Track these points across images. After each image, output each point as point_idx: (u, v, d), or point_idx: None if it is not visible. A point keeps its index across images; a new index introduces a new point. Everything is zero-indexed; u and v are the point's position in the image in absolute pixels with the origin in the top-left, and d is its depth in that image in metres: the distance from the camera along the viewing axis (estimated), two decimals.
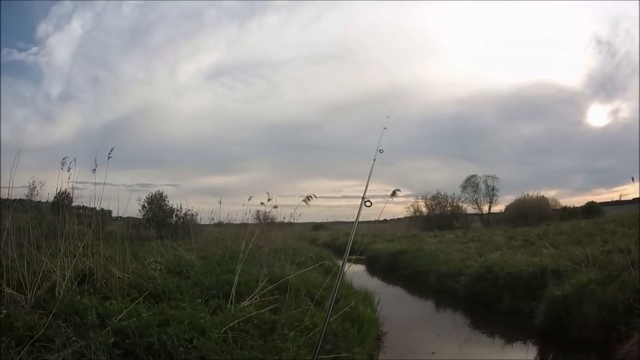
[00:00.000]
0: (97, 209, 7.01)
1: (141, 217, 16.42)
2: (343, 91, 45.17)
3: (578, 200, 37.42)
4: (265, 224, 12.52)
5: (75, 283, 5.23)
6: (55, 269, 5.21)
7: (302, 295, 6.41)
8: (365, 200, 3.46)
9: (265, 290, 6.01)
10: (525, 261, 9.33)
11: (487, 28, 49.27)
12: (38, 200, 8.55)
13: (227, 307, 5.41)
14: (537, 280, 8.26)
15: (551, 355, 6.72)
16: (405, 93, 43.37)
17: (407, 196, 31.76)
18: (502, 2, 41.88)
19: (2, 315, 4.09)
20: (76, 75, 38.12)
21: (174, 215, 16.69)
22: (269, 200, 8.44)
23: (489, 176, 33.31)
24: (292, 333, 4.82)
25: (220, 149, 43.58)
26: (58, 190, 7.02)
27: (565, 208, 28.54)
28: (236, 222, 13.44)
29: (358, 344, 5.48)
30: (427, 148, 42.96)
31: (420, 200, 32.90)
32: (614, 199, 28.43)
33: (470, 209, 33.60)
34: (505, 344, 7.22)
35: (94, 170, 6.28)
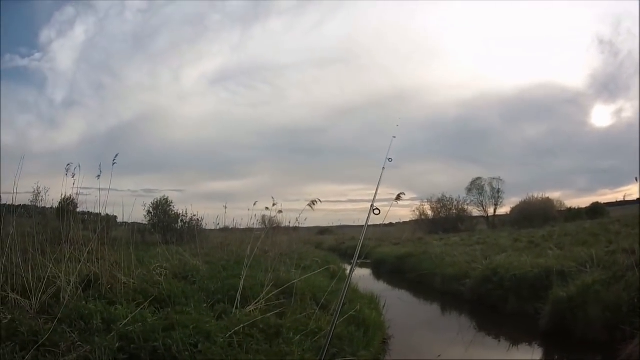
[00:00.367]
0: (102, 214, 7.04)
1: (146, 223, 16.49)
2: (347, 94, 45.24)
3: (583, 201, 37.49)
4: (271, 229, 12.53)
5: (80, 288, 5.24)
6: (60, 274, 5.22)
7: (308, 299, 6.39)
8: (374, 208, 3.47)
9: (270, 295, 6.01)
10: (530, 263, 9.29)
11: (490, 29, 49.38)
12: (43, 206, 8.60)
13: (232, 311, 5.41)
14: (542, 282, 8.22)
15: (556, 356, 6.72)
16: (408, 96, 43.58)
17: (412, 199, 31.83)
18: (504, 3, 41.98)
19: (6, 320, 4.10)
20: (80, 80, 38.32)
21: (179, 221, 16.78)
22: (274, 204, 8.47)
23: (494, 178, 33.38)
24: (298, 337, 4.82)
25: (225, 153, 43.67)
26: (63, 196, 7.05)
27: (570, 209, 28.51)
28: (242, 227, 13.41)
29: (363, 347, 5.45)
30: (432, 150, 42.83)
31: (426, 204, 32.97)
32: (619, 200, 28.41)
33: (475, 211, 33.65)
34: (511, 345, 7.18)
35: (99, 176, 6.29)
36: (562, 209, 28.59)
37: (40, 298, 4.79)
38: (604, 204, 28.44)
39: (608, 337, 5.96)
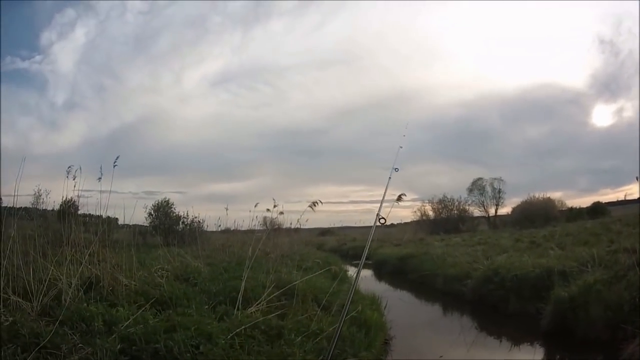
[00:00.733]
0: (103, 216, 7.04)
1: (148, 225, 16.51)
2: (348, 96, 45.25)
3: (584, 201, 37.39)
4: (272, 230, 12.52)
5: (82, 290, 5.23)
6: (61, 276, 5.22)
7: (309, 300, 6.39)
8: (380, 217, 3.46)
9: (272, 296, 6.00)
10: (531, 263, 9.30)
11: (490, 30, 49.40)
12: (44, 208, 8.59)
13: (234, 313, 5.41)
14: (543, 282, 8.21)
15: (558, 356, 6.70)
16: (409, 96, 43.51)
17: (413, 200, 31.83)
18: (505, 3, 41.88)
19: (8, 323, 4.09)
20: (81, 83, 38.23)
21: (180, 223, 16.79)
22: (275, 206, 8.46)
23: (495, 179, 33.42)
24: (299, 338, 4.82)
25: (226, 155, 43.58)
26: (64, 199, 7.04)
27: (571, 209, 28.50)
28: (243, 229, 13.41)
29: (365, 348, 5.45)
30: (433, 151, 42.69)
31: (427, 204, 32.98)
32: (620, 199, 28.39)
33: (477, 211, 33.66)
34: (513, 345, 7.18)
35: (100, 178, 6.28)
36: (564, 209, 28.64)
37: (41, 300, 4.78)
38: (605, 203, 28.51)
39: (610, 336, 5.95)
